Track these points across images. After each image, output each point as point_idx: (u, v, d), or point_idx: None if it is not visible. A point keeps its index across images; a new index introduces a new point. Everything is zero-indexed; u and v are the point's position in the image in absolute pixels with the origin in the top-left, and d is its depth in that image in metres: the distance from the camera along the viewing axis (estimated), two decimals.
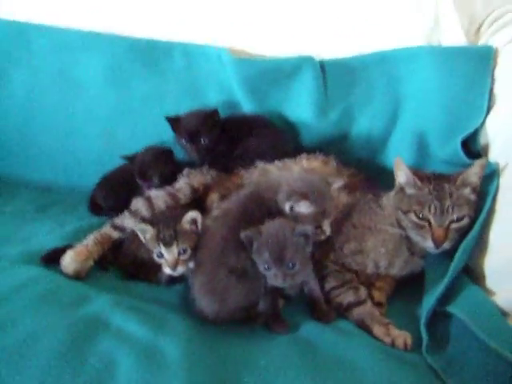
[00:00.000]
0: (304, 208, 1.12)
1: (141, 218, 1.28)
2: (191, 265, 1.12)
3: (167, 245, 1.10)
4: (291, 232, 1.06)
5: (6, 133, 1.78)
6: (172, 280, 1.18)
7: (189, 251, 1.12)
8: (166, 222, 1.13)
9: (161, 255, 1.13)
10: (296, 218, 1.12)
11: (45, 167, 1.78)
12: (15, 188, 1.73)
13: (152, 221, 1.18)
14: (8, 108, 1.76)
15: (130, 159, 1.54)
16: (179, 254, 1.11)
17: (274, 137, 1.53)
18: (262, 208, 1.13)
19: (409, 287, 1.27)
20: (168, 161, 1.54)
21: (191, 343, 0.95)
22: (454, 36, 1.57)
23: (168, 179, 1.46)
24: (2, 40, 1.76)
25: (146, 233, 1.14)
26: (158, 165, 1.49)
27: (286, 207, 1.13)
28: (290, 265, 1.04)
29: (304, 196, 1.11)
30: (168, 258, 1.11)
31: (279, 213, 1.13)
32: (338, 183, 1.26)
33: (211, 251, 1.08)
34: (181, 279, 1.17)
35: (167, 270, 1.13)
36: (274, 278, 1.05)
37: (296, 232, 1.06)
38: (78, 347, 0.90)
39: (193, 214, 1.13)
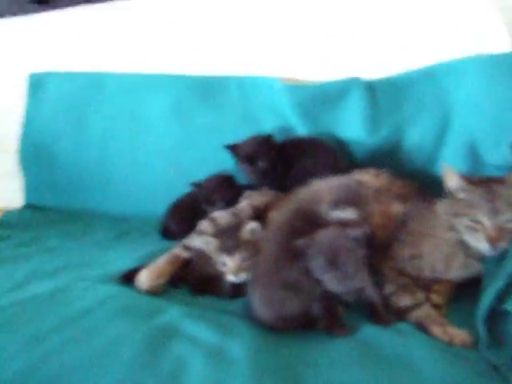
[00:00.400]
0: (350, 214, 1.17)
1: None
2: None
3: (230, 253, 1.20)
4: (344, 237, 1.11)
5: (85, 170, 1.97)
6: (235, 291, 1.26)
7: (248, 260, 1.20)
8: (228, 233, 1.23)
9: (224, 264, 1.22)
10: (344, 225, 1.17)
11: (120, 199, 1.95)
12: (94, 219, 1.92)
13: (215, 234, 1.27)
14: (87, 148, 1.97)
15: (197, 185, 1.67)
16: (242, 260, 1.20)
17: (326, 155, 1.60)
18: (307, 221, 1.18)
19: (470, 292, 1.26)
20: (230, 186, 1.66)
21: (255, 345, 1.02)
22: (500, 44, 1.60)
23: (231, 203, 1.56)
24: (82, 89, 1.99)
25: (210, 244, 1.24)
26: (221, 190, 1.61)
27: (333, 216, 1.18)
28: (344, 268, 1.09)
29: (348, 202, 1.17)
30: (230, 265, 1.20)
31: (324, 223, 1.17)
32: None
33: (265, 266, 1.15)
34: (243, 291, 1.23)
35: (230, 278, 1.21)
36: (329, 282, 1.10)
37: (349, 236, 1.11)
38: (154, 352, 0.99)
39: (252, 225, 1.22)
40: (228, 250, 1.21)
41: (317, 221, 1.18)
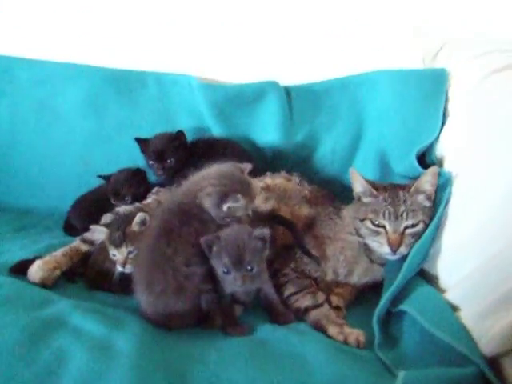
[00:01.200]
0: (238, 201, 1.15)
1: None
2: None
3: (117, 246, 1.17)
4: (249, 236, 1.09)
5: None
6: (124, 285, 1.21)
7: (135, 253, 1.17)
8: (115, 225, 1.19)
9: (114, 255, 1.20)
10: (233, 213, 1.16)
11: (25, 192, 1.84)
12: None
13: (109, 224, 1.23)
14: None
15: (106, 178, 1.61)
16: (128, 253, 1.17)
17: (238, 157, 1.58)
18: (184, 217, 1.13)
19: (372, 295, 1.28)
20: (140, 181, 1.60)
21: (143, 339, 0.97)
22: (412, 60, 1.67)
23: (140, 199, 1.51)
24: None
25: (102, 234, 1.19)
26: (131, 185, 1.56)
27: (224, 208, 1.14)
28: (249, 267, 1.08)
29: (234, 190, 1.15)
30: (118, 257, 1.18)
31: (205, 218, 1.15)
32: (247, 166, 1.27)
33: (143, 264, 1.10)
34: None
35: (118, 267, 1.19)
36: (233, 281, 1.08)
37: (254, 236, 1.10)
38: (34, 343, 0.93)
39: (141, 216, 1.18)
40: (115, 242, 1.18)
41: (195, 216, 1.14)
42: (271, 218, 1.33)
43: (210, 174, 1.19)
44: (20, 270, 1.25)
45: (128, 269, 1.18)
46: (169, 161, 1.55)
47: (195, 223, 1.11)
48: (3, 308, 1.03)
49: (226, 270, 1.08)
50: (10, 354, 0.89)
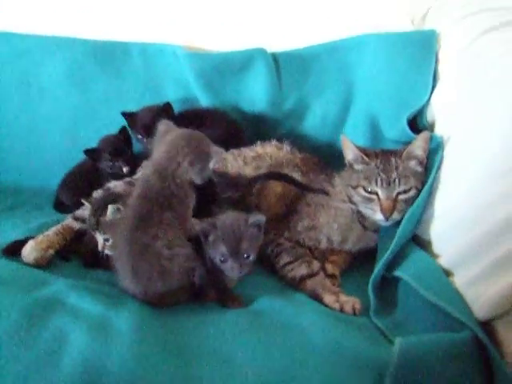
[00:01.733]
0: (220, 153, 1.16)
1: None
2: None
3: (93, 231, 1.18)
4: (245, 223, 1.09)
5: None
6: None
7: (111, 240, 1.16)
8: (93, 210, 1.18)
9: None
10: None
11: (11, 170, 1.81)
12: None
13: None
14: None
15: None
16: (104, 240, 1.17)
17: (227, 127, 1.57)
18: (164, 201, 1.09)
19: (366, 262, 1.30)
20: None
21: (142, 317, 0.97)
22: (401, 23, 1.64)
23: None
24: None
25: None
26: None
27: (211, 166, 1.14)
28: (246, 255, 1.08)
29: (208, 147, 1.15)
30: (98, 241, 1.18)
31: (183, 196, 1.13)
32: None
33: (122, 265, 1.07)
34: None
35: (99, 248, 1.19)
36: (230, 269, 1.08)
37: (250, 223, 1.09)
38: (32, 324, 0.92)
39: (112, 208, 1.14)
40: (91, 227, 1.18)
41: (177, 193, 1.11)
42: (268, 177, 1.35)
43: (173, 148, 1.14)
44: (13, 251, 1.23)
45: (107, 252, 1.18)
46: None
47: (175, 205, 1.09)
48: (0, 290, 1.02)
49: (222, 259, 1.08)
50: (9, 337, 0.89)
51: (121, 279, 1.06)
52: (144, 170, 1.17)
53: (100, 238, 1.17)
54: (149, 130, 1.51)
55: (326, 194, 1.31)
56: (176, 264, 1.04)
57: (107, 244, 1.17)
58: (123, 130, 1.61)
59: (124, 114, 1.59)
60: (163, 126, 1.21)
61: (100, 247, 1.18)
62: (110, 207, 1.14)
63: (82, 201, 1.24)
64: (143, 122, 1.54)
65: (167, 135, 1.16)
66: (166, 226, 1.06)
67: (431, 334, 0.92)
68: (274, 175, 1.38)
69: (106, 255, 1.20)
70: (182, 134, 1.17)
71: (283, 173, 1.38)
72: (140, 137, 1.56)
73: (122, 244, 1.05)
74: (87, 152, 1.57)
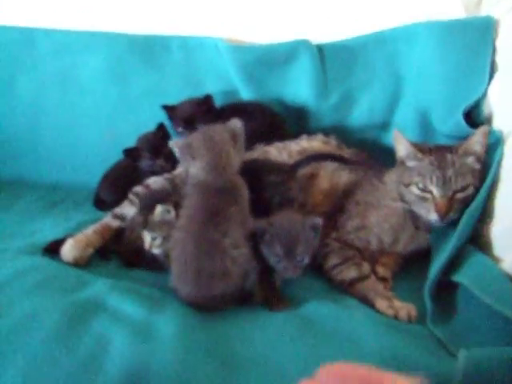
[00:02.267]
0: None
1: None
2: None
3: (141, 230, 1.14)
4: (302, 226, 1.06)
5: (13, 135, 1.82)
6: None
7: (160, 239, 1.12)
8: (141, 209, 1.15)
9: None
10: None
11: (51, 166, 1.82)
12: (23, 187, 1.78)
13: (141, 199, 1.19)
14: (15, 111, 1.81)
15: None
16: (152, 239, 1.13)
17: (268, 120, 1.53)
18: (230, 197, 1.06)
19: (418, 264, 1.23)
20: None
21: (185, 321, 0.93)
22: (453, 10, 1.55)
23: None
24: (8, 45, 1.81)
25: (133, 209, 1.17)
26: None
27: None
28: (300, 258, 1.05)
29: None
30: (145, 240, 1.14)
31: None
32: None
33: (185, 262, 1.02)
34: None
35: (146, 247, 1.15)
36: (283, 270, 1.05)
37: (307, 225, 1.06)
38: (73, 327, 0.90)
39: (162, 208, 1.12)
40: (139, 225, 1.15)
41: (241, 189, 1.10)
42: (311, 160, 1.32)
43: (212, 143, 1.11)
44: (53, 249, 1.22)
45: (154, 251, 1.14)
46: (198, 127, 1.48)
47: (238, 198, 1.06)
48: (41, 292, 1.00)
49: (277, 259, 1.05)
50: (51, 340, 0.86)
51: (174, 279, 1.02)
52: (192, 181, 1.11)
53: (147, 236, 1.13)
54: (190, 123, 1.49)
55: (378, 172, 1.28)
56: (237, 265, 1.00)
57: (155, 243, 1.13)
58: (161, 126, 1.58)
59: (164, 107, 1.56)
60: (174, 144, 1.15)
61: (147, 246, 1.14)
62: (159, 207, 1.11)
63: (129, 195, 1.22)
64: (184, 114, 1.51)
65: (191, 144, 1.12)
66: (234, 222, 1.02)
67: (498, 348, 0.85)
68: (317, 157, 1.33)
69: (151, 254, 1.17)
70: (206, 132, 1.15)
71: (325, 152, 1.33)
72: (181, 129, 1.52)
73: (186, 241, 1.01)
74: (126, 152, 1.54)
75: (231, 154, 1.09)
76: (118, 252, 1.28)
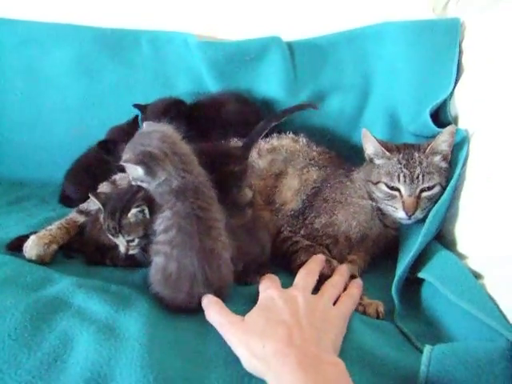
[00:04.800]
0: None
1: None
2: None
3: (114, 235, 1.08)
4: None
5: None
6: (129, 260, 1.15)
7: (136, 240, 1.08)
8: (111, 213, 1.08)
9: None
10: None
11: (16, 162, 1.77)
12: None
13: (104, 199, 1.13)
14: None
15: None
16: (128, 241, 1.09)
17: (244, 109, 1.53)
18: None
19: (385, 261, 1.25)
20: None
21: (152, 318, 0.91)
22: (421, 11, 1.58)
23: None
24: None
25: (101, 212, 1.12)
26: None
27: None
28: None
29: None
30: (119, 245, 1.10)
31: None
32: None
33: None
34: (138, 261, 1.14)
35: (121, 251, 1.11)
36: None
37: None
38: (36, 326, 0.87)
39: (136, 210, 1.06)
40: (110, 232, 1.09)
41: None
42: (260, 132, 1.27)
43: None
44: (17, 246, 1.17)
45: (132, 253, 1.11)
46: None
47: (214, 196, 1.04)
48: (3, 290, 0.97)
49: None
50: (12, 339, 0.83)
51: (162, 287, 0.98)
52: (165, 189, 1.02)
53: (122, 240, 1.09)
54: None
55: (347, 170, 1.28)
56: (229, 268, 0.99)
57: (132, 244, 1.09)
58: (135, 119, 1.56)
59: (137, 106, 1.54)
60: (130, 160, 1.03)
61: (123, 250, 1.10)
62: (133, 210, 1.06)
63: (90, 195, 1.17)
64: (152, 117, 1.45)
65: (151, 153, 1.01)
66: (218, 222, 0.99)
67: (463, 343, 0.86)
68: (260, 130, 1.29)
69: (113, 248, 1.14)
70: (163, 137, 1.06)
71: (277, 114, 1.35)
72: None
73: (186, 255, 0.96)
74: (101, 144, 1.50)
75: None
76: (81, 249, 1.24)
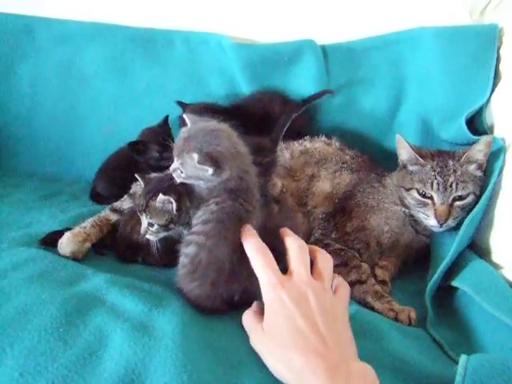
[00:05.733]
0: None
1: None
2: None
3: (139, 211, 1.09)
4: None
5: (11, 125, 1.79)
6: (164, 259, 1.16)
7: (156, 226, 1.08)
8: (146, 192, 1.10)
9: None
10: None
11: (49, 158, 1.79)
12: (20, 178, 1.74)
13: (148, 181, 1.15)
14: (13, 101, 1.78)
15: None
16: (148, 224, 1.08)
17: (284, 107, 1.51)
18: None
19: (416, 267, 1.25)
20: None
21: (186, 317, 0.92)
22: (458, 16, 1.56)
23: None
24: (8, 34, 1.77)
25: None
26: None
27: None
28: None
29: None
30: (142, 224, 1.10)
31: None
32: None
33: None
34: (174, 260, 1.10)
35: (141, 230, 1.11)
36: None
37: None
38: (71, 321, 0.88)
39: (164, 197, 1.05)
40: (138, 207, 1.10)
41: None
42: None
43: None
44: (50, 241, 1.19)
45: (148, 237, 1.10)
46: None
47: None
48: (39, 284, 0.98)
49: None
50: (48, 333, 0.84)
51: (184, 278, 0.98)
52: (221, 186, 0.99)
53: (145, 221, 1.09)
54: None
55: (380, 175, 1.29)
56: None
57: (151, 229, 1.09)
58: (166, 119, 1.56)
59: (179, 103, 1.56)
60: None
61: (142, 230, 1.10)
62: (161, 196, 1.05)
63: (136, 175, 1.17)
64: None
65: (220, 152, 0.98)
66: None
67: (500, 354, 0.85)
68: (285, 122, 1.32)
69: (145, 247, 1.15)
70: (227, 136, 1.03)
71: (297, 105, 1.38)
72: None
73: (218, 242, 0.95)
74: (131, 145, 1.50)
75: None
76: (113, 247, 1.25)
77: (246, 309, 0.93)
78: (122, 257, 1.23)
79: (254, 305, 0.90)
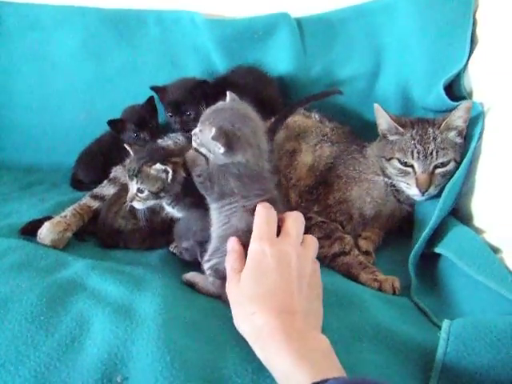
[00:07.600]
0: None
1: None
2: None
3: (130, 177, 1.05)
4: None
5: None
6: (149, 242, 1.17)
7: (146, 193, 1.04)
8: (138, 158, 1.06)
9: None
10: None
11: (26, 148, 1.76)
12: None
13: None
14: None
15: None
16: (137, 190, 1.05)
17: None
18: None
19: (399, 237, 1.25)
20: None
21: (167, 298, 0.91)
22: None
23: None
24: None
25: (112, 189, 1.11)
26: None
27: None
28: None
29: None
30: (130, 190, 1.07)
31: None
32: None
33: None
34: (158, 243, 1.16)
35: (128, 197, 1.08)
36: None
37: None
38: (52, 308, 0.87)
39: (161, 167, 1.02)
40: (129, 172, 1.05)
41: None
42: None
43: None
44: (30, 231, 1.18)
45: (134, 205, 1.07)
46: (188, 113, 1.42)
47: None
48: (18, 273, 0.97)
49: None
50: (29, 322, 0.84)
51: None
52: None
53: (134, 186, 1.05)
54: (178, 109, 1.43)
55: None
56: None
57: (139, 195, 1.05)
58: (150, 99, 1.53)
59: (154, 89, 1.51)
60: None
61: (129, 195, 1.06)
62: (159, 165, 1.03)
63: (125, 145, 1.12)
64: (171, 99, 1.44)
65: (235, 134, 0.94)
66: None
67: (482, 317, 0.85)
68: (287, 113, 1.32)
69: (128, 232, 1.15)
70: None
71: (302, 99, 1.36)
72: (169, 114, 1.46)
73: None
74: (111, 123, 1.48)
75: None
76: (94, 232, 1.24)
77: None
78: (103, 242, 1.22)
79: (239, 248, 0.87)
